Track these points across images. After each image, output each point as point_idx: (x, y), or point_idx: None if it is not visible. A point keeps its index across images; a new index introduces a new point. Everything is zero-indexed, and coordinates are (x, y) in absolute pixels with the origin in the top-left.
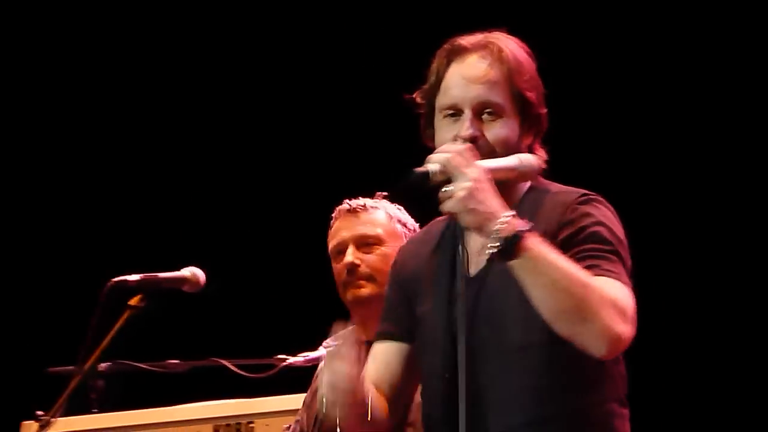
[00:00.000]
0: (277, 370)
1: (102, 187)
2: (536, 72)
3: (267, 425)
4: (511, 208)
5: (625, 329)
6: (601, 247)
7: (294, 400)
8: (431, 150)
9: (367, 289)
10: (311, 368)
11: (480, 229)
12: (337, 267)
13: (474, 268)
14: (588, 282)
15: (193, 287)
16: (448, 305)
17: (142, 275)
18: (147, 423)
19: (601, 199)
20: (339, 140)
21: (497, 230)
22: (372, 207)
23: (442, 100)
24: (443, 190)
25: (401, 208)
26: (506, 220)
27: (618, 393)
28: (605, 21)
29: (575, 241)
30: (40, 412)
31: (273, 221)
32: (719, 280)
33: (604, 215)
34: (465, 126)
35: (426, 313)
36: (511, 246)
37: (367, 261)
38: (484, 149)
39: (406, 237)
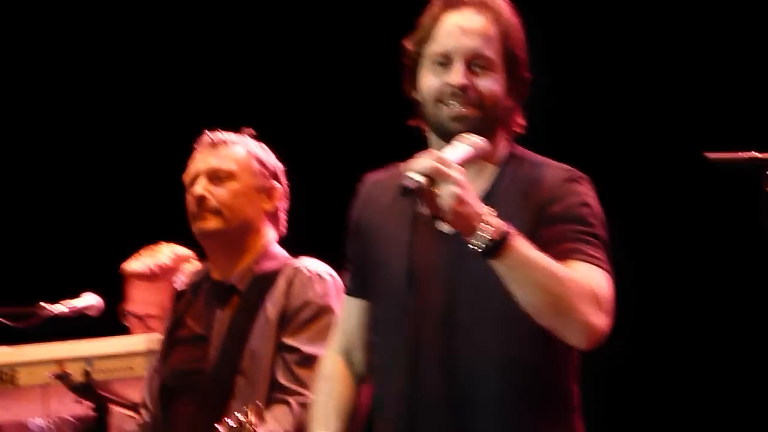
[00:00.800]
0: (40, 319)
1: None
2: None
3: (30, 373)
4: (492, 179)
5: (603, 321)
6: (585, 229)
7: (56, 349)
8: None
9: (212, 222)
10: (74, 318)
11: (465, 231)
12: (188, 198)
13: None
14: (567, 278)
15: None
16: (407, 256)
17: None
18: None
19: (586, 178)
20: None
21: (483, 232)
22: (232, 142)
23: (434, 47)
24: (432, 195)
25: (264, 147)
26: (490, 221)
27: (576, 375)
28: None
29: (561, 220)
30: None
31: (33, 165)
32: (712, 277)
33: (590, 195)
34: (457, 73)
35: (383, 262)
36: (496, 248)
37: (216, 194)
38: (472, 100)
39: (262, 176)
